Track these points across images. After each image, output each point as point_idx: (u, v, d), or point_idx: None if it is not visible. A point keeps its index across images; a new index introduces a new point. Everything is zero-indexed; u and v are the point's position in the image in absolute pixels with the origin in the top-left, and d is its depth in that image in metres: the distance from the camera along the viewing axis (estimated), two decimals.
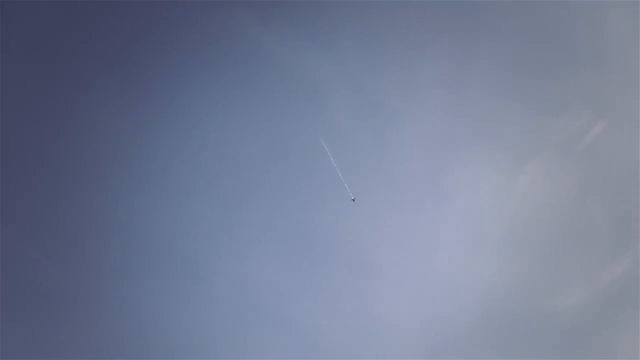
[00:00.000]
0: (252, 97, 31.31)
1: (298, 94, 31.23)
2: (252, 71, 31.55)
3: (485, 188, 33.21)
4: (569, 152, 30.93)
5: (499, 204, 33.38)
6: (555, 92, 30.67)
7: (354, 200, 31.39)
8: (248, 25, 30.70)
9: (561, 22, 29.07)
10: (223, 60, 31.15)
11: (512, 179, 32.76)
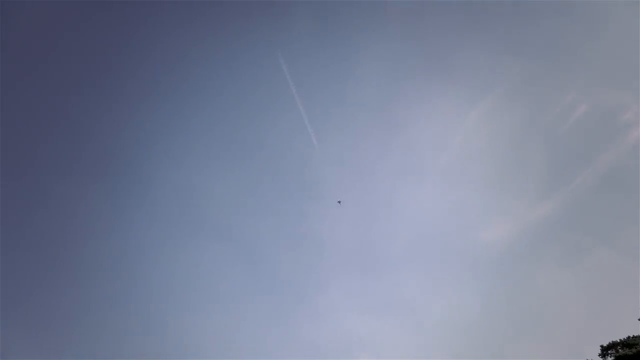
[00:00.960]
0: (214, 6, 31.28)
1: (261, 8, 31.55)
2: None
3: (435, 120, 35.48)
4: (519, 94, 33.36)
5: (446, 137, 35.82)
6: (514, 36, 32.67)
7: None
8: None
9: None
10: None
11: (462, 114, 35.11)
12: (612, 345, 31.93)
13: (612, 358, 31.30)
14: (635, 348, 28.71)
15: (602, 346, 32.79)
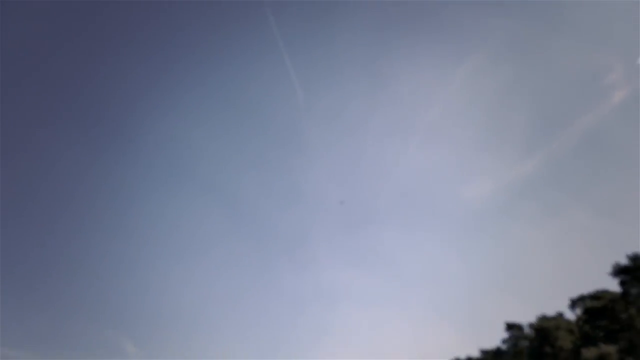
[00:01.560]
0: None
1: None
2: None
3: (423, 77, 34.94)
4: (505, 53, 32.78)
5: (433, 94, 35.50)
6: None
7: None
8: None
9: None
10: None
11: (448, 72, 34.64)
12: (581, 298, 33.79)
13: (580, 309, 33.21)
14: (603, 300, 30.45)
15: (571, 299, 34.69)
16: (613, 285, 32.48)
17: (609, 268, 28.90)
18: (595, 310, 30.17)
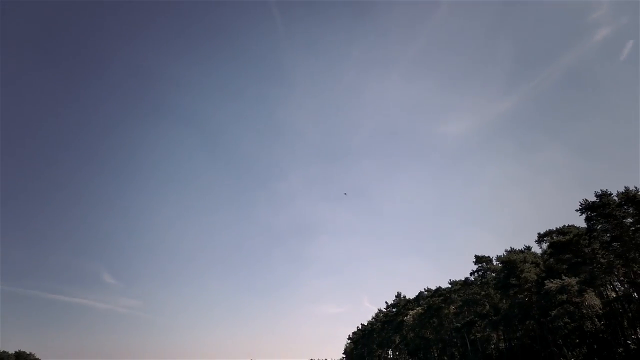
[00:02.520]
0: None
1: None
2: None
3: (404, 9, 32.80)
4: None
5: (415, 27, 33.64)
6: None
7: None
8: None
9: None
10: None
11: (432, 5, 32.52)
12: (548, 233, 35.07)
13: (547, 244, 34.63)
14: (568, 235, 31.60)
15: (539, 234, 36.00)
16: (581, 222, 33.58)
17: (579, 205, 29.58)
18: (561, 244, 31.38)
